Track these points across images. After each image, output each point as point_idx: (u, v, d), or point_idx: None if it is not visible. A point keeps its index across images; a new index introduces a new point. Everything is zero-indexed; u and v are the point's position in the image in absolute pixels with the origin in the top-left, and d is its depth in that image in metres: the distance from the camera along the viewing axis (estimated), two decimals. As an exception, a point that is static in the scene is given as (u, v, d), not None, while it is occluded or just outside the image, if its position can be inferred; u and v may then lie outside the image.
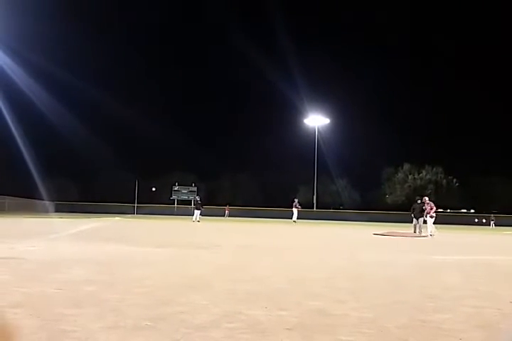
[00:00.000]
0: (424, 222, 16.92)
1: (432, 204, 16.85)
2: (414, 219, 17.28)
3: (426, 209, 16.74)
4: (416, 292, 4.12)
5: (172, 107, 78.96)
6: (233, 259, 6.61)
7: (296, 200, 29.39)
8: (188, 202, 52.95)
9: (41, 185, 40.67)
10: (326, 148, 53.67)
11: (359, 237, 14.91)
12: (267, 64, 61.84)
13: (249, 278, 4.67)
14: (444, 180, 60.10)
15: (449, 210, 57.37)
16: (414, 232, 16.88)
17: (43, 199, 45.31)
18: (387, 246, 10.79)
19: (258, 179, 64.09)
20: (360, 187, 63.38)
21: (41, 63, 45.97)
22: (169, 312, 2.98)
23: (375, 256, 7.90)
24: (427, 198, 17.45)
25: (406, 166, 61.68)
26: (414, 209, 17.52)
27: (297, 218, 28.98)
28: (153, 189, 54.97)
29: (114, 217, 32.04)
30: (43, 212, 39.80)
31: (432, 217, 16.49)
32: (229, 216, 44.42)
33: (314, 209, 49.53)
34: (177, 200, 56.40)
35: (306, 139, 54.88)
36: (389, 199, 61.74)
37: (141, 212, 49.46)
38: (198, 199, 29.56)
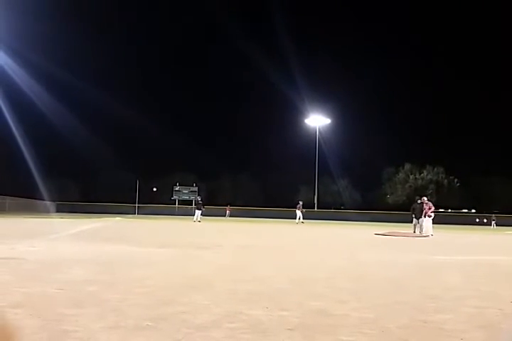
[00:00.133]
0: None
1: (431, 204, 16.84)
2: (415, 219, 17.31)
3: (424, 209, 16.75)
4: (417, 292, 4.11)
5: (172, 107, 79.10)
6: (234, 259, 6.61)
7: (300, 203, 29.86)
8: (189, 202, 52.99)
9: (42, 185, 40.71)
10: (327, 148, 53.76)
11: (360, 237, 14.90)
12: (268, 64, 61.98)
13: (251, 278, 4.67)
14: (445, 180, 60.06)
15: (450, 210, 57.38)
16: (414, 232, 16.91)
17: (43, 200, 45.36)
18: (388, 246, 10.78)
19: (259, 179, 64.17)
20: (361, 187, 63.47)
21: (41, 63, 46.05)
22: (170, 312, 2.98)
23: (376, 256, 7.89)
24: (425, 198, 17.45)
25: (407, 166, 61.66)
26: (414, 209, 17.55)
27: (298, 218, 29.16)
28: (154, 189, 54.98)
29: (115, 217, 32.06)
30: (43, 212, 39.85)
31: (429, 216, 16.47)
32: (230, 216, 44.43)
33: (315, 210, 49.50)
34: (178, 200, 56.43)
35: (307, 139, 54.97)
36: (390, 199, 61.70)
37: (142, 212, 49.50)
38: (200, 199, 29.63)
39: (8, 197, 42.37)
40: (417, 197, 18.50)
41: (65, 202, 50.11)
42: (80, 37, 60.83)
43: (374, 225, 29.01)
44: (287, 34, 68.49)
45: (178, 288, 3.94)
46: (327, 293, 3.93)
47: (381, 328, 2.75)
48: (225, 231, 16.94)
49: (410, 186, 59.88)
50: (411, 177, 61.05)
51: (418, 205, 17.39)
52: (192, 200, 52.35)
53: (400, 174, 61.94)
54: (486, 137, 60.01)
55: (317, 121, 53.93)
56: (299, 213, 29.24)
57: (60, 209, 46.09)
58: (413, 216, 17.46)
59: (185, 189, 56.85)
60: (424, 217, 16.59)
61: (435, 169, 60.46)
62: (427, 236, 15.64)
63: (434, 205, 17.23)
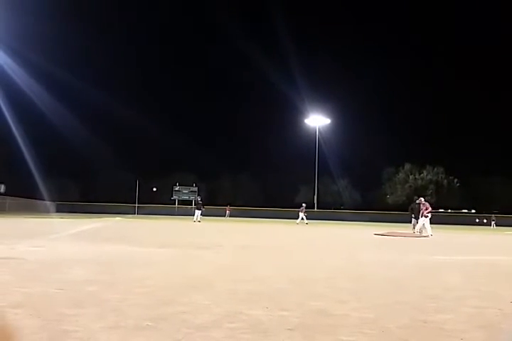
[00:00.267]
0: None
1: (427, 205, 16.84)
2: (414, 219, 17.33)
3: (422, 209, 16.77)
4: (417, 292, 4.11)
5: (172, 107, 79.11)
6: (234, 259, 6.61)
7: (304, 205, 30.27)
8: (189, 203, 52.99)
9: (42, 185, 40.73)
10: (327, 148, 53.77)
11: (360, 237, 14.90)
12: (268, 64, 62.06)
13: (251, 278, 4.67)
14: (445, 180, 60.06)
15: (449, 210, 57.41)
16: (414, 232, 16.91)
17: (43, 200, 45.38)
18: (388, 246, 10.78)
19: (259, 179, 64.16)
20: (360, 187, 63.47)
21: (41, 63, 46.06)
22: (170, 312, 2.98)
23: (376, 256, 7.89)
24: (422, 199, 17.46)
25: (407, 166, 61.67)
26: (412, 209, 17.59)
27: (301, 219, 29.27)
28: (154, 189, 55.00)
29: (115, 217, 32.07)
30: (43, 212, 39.85)
31: (425, 216, 16.47)
32: (230, 216, 44.44)
33: (315, 210, 49.51)
34: (178, 200, 56.43)
35: (307, 139, 54.98)
36: (390, 199, 61.69)
37: (141, 212, 49.50)
38: (199, 199, 29.67)
39: (8, 197, 42.34)
40: (415, 197, 18.56)
41: (65, 202, 50.12)
42: (80, 37, 60.96)
43: (374, 225, 29.03)
44: (287, 34, 68.59)
45: (178, 288, 3.94)
46: (327, 293, 3.92)
47: (381, 328, 2.75)
48: (225, 231, 16.94)
49: (410, 186, 59.87)
50: (411, 177, 61.04)
51: (416, 205, 17.42)
52: (192, 200, 52.38)
53: (400, 174, 61.94)
54: (486, 137, 60.11)
55: (317, 121, 53.94)
56: (301, 215, 29.50)
57: (60, 209, 46.09)
58: (412, 216, 17.49)
59: (185, 189, 56.86)
60: (421, 217, 16.60)
61: (435, 169, 60.47)
62: (427, 236, 15.65)
63: (433, 205, 17.28)
